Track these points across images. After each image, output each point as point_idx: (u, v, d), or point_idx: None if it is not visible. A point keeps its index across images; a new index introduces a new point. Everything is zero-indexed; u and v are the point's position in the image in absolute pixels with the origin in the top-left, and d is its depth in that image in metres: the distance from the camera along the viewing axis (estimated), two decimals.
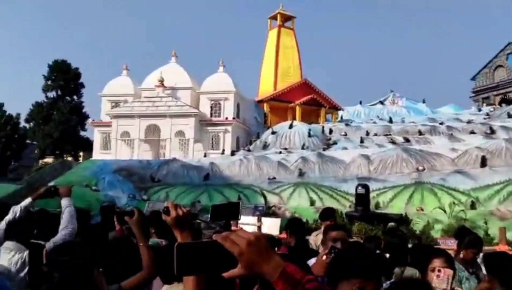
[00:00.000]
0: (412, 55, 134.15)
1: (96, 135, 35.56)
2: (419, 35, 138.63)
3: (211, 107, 33.91)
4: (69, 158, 39.50)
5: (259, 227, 14.48)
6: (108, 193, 23.25)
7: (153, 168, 26.94)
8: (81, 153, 43.01)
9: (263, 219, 17.11)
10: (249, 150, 30.46)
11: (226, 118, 33.03)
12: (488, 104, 40.80)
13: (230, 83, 34.16)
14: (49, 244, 3.26)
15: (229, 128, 32.79)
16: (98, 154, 33.86)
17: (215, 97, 33.76)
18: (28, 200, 3.77)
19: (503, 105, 38.96)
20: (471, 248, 4.08)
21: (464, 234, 4.40)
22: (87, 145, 40.50)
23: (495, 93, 43.45)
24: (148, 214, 4.63)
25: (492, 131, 27.31)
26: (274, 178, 25.03)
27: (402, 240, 4.45)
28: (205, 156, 30.53)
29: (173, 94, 33.92)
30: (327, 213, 5.83)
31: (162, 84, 33.58)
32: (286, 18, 43.11)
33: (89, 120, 39.49)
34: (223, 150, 31.65)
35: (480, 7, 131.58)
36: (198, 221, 13.55)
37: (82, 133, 43.85)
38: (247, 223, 14.49)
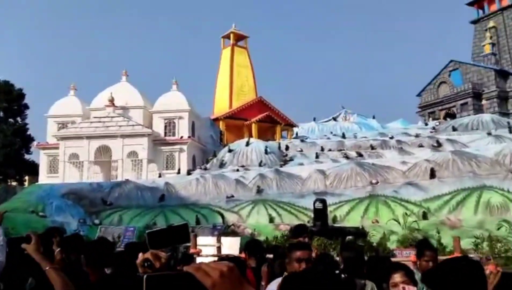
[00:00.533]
0: (362, 73, 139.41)
1: (42, 158, 33.81)
2: (368, 53, 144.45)
3: (165, 126, 33.27)
4: (14, 183, 37.31)
5: (219, 248, 14.11)
6: (56, 219, 21.98)
7: (104, 190, 25.87)
8: (26, 178, 40.68)
9: (223, 239, 16.74)
10: (205, 169, 30.05)
11: (181, 137, 32.49)
12: (434, 119, 42.80)
13: (184, 101, 33.76)
14: None
15: (185, 147, 32.25)
16: (44, 178, 32.14)
17: (169, 116, 33.18)
18: None
19: (448, 119, 41.05)
20: (423, 257, 4.14)
21: (422, 245, 4.42)
22: (33, 169, 38.42)
23: (440, 108, 45.68)
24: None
25: (439, 144, 28.53)
26: (232, 196, 24.77)
27: (359, 253, 4.49)
28: (160, 176, 29.74)
29: (125, 114, 33.00)
30: (300, 230, 5.66)
31: (113, 104, 32.64)
32: (239, 37, 43.56)
33: (34, 143, 37.61)
34: (179, 169, 31.01)
35: (424, 26, 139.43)
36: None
37: (27, 156, 41.69)
38: (206, 244, 14.09)
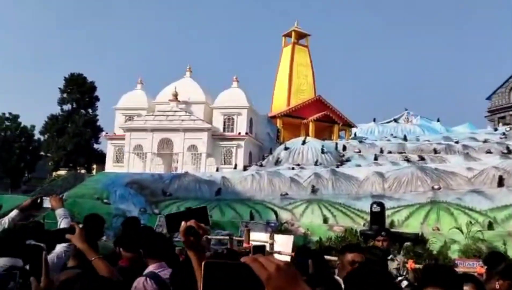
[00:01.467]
0: (427, 74, 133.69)
1: (109, 148, 35.77)
2: (434, 54, 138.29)
3: (224, 122, 33.94)
4: (82, 171, 39.70)
5: (272, 245, 14.17)
6: (120, 206, 23.20)
7: (164, 182, 26.88)
8: (94, 166, 43.25)
9: (276, 236, 16.80)
10: (261, 165, 30.30)
11: (239, 133, 33.00)
12: (504, 124, 40.20)
13: (244, 98, 34.22)
14: (51, 257, 2.90)
15: (242, 143, 32.73)
16: (111, 167, 33.99)
17: (228, 112, 33.81)
18: (14, 212, 3.49)
19: None
20: (508, 279, 3.24)
21: (496, 259, 3.62)
22: (100, 158, 40.72)
23: (511, 112, 42.88)
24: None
25: (509, 151, 26.83)
26: (287, 194, 24.79)
27: (379, 258, 4.03)
28: (217, 170, 30.43)
29: (187, 109, 34.06)
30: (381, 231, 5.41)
31: (176, 98, 33.78)
32: (301, 36, 43.35)
33: (103, 133, 39.80)
34: (236, 165, 31.53)
35: (496, 26, 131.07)
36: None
37: (96, 146, 44.18)
38: (259, 240, 14.19)
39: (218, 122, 33.94)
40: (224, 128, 33.84)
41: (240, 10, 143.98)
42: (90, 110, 44.37)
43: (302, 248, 6.98)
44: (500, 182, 21.91)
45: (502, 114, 43.68)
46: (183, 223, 1.59)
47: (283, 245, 15.53)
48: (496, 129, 35.89)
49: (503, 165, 23.01)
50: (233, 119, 33.68)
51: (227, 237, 16.21)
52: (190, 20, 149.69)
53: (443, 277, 2.14)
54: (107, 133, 37.81)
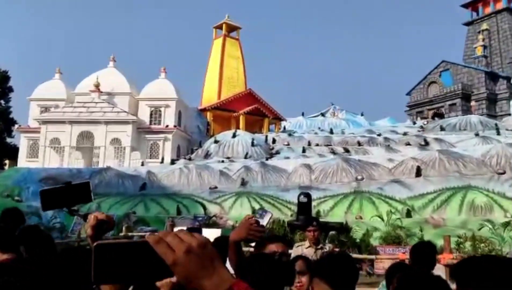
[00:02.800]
0: (352, 70, 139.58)
1: (22, 142, 33.01)
2: (359, 51, 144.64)
3: (151, 114, 32.67)
4: None
5: None
6: (33, 204, 21.37)
7: (84, 177, 25.24)
8: (6, 162, 39.77)
9: (203, 230, 16.36)
10: (190, 159, 29.58)
11: (167, 126, 31.96)
12: (422, 118, 42.81)
13: (172, 90, 33.17)
14: None
15: (170, 136, 31.72)
16: (24, 162, 31.37)
17: (155, 104, 32.60)
18: None
19: (436, 118, 41.06)
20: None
21: (419, 250, 3.69)
22: (14, 153, 37.51)
23: (428, 107, 45.72)
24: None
25: (426, 143, 28.41)
26: (216, 187, 24.37)
27: None
28: (142, 165, 29.20)
29: (110, 100, 32.34)
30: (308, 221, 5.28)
31: (98, 89, 31.92)
32: (232, 28, 43.01)
33: (16, 126, 36.73)
34: (163, 158, 30.50)
35: (417, 26, 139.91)
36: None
37: (9, 140, 40.71)
38: None
39: (144, 115, 32.57)
40: (150, 121, 32.57)
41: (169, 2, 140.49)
42: (2, 102, 40.75)
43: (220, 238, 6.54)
44: (418, 172, 23.08)
45: (420, 109, 46.44)
46: (91, 216, 1.45)
47: (210, 239, 15.25)
48: (414, 123, 38.06)
49: (421, 156, 24.28)
50: (160, 111, 32.52)
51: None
52: (115, 7, 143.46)
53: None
54: (20, 125, 34.89)
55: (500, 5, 48.30)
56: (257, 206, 22.39)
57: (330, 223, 18.05)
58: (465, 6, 52.08)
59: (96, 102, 31.76)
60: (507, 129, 30.93)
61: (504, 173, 20.83)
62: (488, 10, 49.28)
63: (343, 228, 17.95)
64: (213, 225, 19.71)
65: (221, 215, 21.62)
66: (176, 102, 32.82)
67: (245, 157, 28.68)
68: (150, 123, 32.50)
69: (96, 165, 29.80)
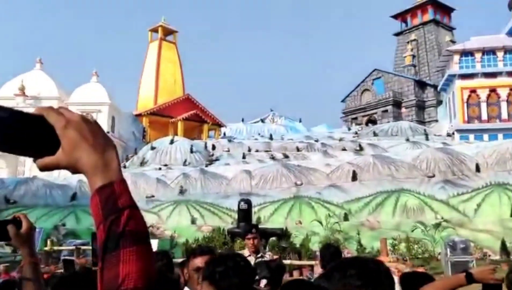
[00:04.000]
0: (291, 78, 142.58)
1: None
2: (297, 60, 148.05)
3: None
4: None
5: None
6: None
7: (7, 187, 23.32)
8: None
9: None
10: (124, 167, 28.29)
11: None
12: (356, 124, 44.39)
13: (104, 94, 31.68)
14: None
15: None
16: None
17: (86, 109, 30.88)
18: None
19: (370, 125, 42.75)
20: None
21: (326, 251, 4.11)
22: None
23: (362, 114, 47.50)
24: None
25: (361, 148, 29.35)
26: (153, 196, 23.46)
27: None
28: (72, 173, 27.47)
29: (36, 104, 30.15)
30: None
31: (23, 93, 29.78)
32: (168, 32, 42.07)
33: None
34: None
35: (352, 36, 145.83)
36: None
37: None
38: None
39: None
40: None
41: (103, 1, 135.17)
42: None
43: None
44: (354, 177, 23.68)
45: (355, 115, 48.14)
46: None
47: None
48: (349, 129, 39.35)
49: (356, 161, 24.97)
50: (91, 117, 30.62)
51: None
52: (43, 6, 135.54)
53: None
54: None
55: (427, 17, 51.46)
56: (196, 215, 21.84)
57: (270, 229, 17.91)
58: (394, 17, 54.95)
59: (21, 107, 29.49)
60: (435, 135, 32.81)
61: (433, 176, 21.90)
62: (416, 21, 52.32)
63: (283, 234, 17.88)
64: (150, 236, 18.84)
65: (158, 225, 20.78)
66: (109, 107, 31.37)
67: (184, 164, 27.98)
68: None
69: (22, 174, 27.68)
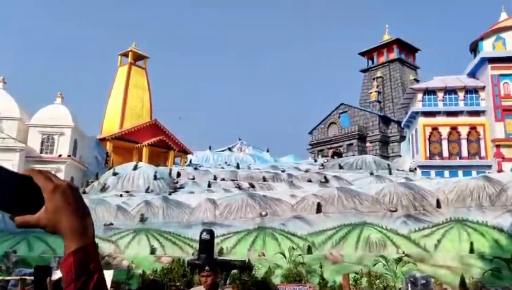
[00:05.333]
0: (259, 108, 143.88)
1: None
2: (266, 90, 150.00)
3: (42, 142, 29.82)
4: None
5: None
6: None
7: None
8: None
9: None
10: (84, 192, 27.24)
11: (60, 155, 29.33)
12: (322, 156, 44.89)
13: (68, 116, 30.76)
14: None
15: (62, 166, 29.08)
16: None
17: (48, 131, 29.86)
18: None
19: (335, 157, 43.30)
20: None
21: None
22: None
23: (328, 146, 48.20)
24: None
25: (326, 180, 29.50)
26: (111, 224, 22.56)
27: None
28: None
29: None
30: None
31: None
32: (139, 57, 41.82)
33: None
34: None
35: (319, 70, 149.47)
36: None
37: None
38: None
39: (35, 142, 29.62)
40: (41, 149, 29.67)
41: (71, 19, 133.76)
42: None
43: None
44: (319, 209, 23.64)
45: (321, 147, 48.77)
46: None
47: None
48: (316, 161, 39.69)
49: (321, 193, 24.99)
50: (53, 139, 29.81)
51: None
52: (6, 21, 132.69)
53: None
54: None
55: (392, 56, 53.58)
56: (156, 244, 21.10)
57: (232, 261, 17.47)
58: (362, 54, 56.95)
59: None
60: (397, 169, 33.47)
61: (396, 210, 22.12)
62: (382, 59, 54.37)
63: (246, 267, 17.46)
64: (105, 265, 18.02)
65: (115, 255, 19.92)
66: (72, 130, 30.41)
67: (146, 191, 27.22)
68: (41, 152, 29.58)
69: None
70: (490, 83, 32.21)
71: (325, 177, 29.92)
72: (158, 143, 36.87)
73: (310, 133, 51.01)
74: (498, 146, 30.98)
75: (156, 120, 38.75)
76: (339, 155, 45.23)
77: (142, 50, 42.15)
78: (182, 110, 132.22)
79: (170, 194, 26.73)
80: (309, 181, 29.80)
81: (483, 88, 33.09)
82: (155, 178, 28.76)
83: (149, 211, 23.87)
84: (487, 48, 33.47)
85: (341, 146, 47.03)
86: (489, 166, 31.05)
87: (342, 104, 49.82)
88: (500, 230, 19.27)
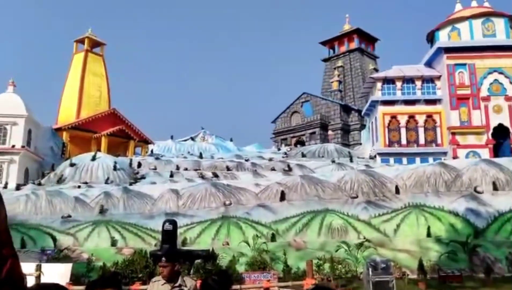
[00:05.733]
0: (222, 96, 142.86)
1: None
2: (229, 78, 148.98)
3: None
4: None
5: (38, 277, 11.68)
6: None
7: None
8: None
9: (48, 265, 14.25)
10: (40, 184, 26.15)
11: (13, 146, 27.96)
12: (286, 145, 45.22)
13: (21, 105, 29.33)
14: None
15: (16, 157, 27.78)
16: None
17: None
18: None
19: (298, 146, 43.71)
20: None
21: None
22: None
23: (291, 135, 48.60)
24: None
25: (289, 168, 29.74)
26: (69, 216, 21.79)
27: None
28: None
29: None
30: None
31: None
32: (95, 44, 40.31)
33: None
34: (6, 183, 26.45)
35: (282, 58, 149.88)
36: None
37: None
38: (29, 273, 11.52)
39: None
40: None
41: (23, 4, 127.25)
42: None
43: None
44: (282, 197, 23.78)
45: (284, 136, 49.11)
46: None
47: (60, 275, 13.39)
48: (279, 149, 39.93)
49: (285, 181, 25.15)
50: (5, 129, 28.37)
51: None
52: None
53: None
54: None
55: (353, 45, 54.42)
56: (117, 236, 20.58)
57: (195, 251, 17.28)
58: (323, 43, 57.46)
59: None
60: (358, 157, 34.18)
61: (356, 197, 22.58)
62: (343, 48, 55.12)
63: (210, 256, 17.32)
64: (64, 258, 17.48)
65: (74, 248, 19.27)
66: (25, 120, 29.03)
67: (106, 182, 26.47)
68: None
69: None
70: (445, 73, 33.32)
71: (288, 166, 30.13)
72: (117, 133, 35.84)
73: (274, 122, 51.19)
74: (453, 134, 32.21)
75: (115, 109, 37.60)
76: (302, 143, 45.70)
77: (100, 37, 40.72)
78: (143, 100, 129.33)
79: (131, 184, 26.11)
80: (273, 169, 29.93)
81: (439, 77, 34.21)
82: (115, 168, 28.01)
83: (109, 202, 23.22)
84: (443, 38, 34.55)
85: (303, 134, 47.52)
86: (445, 153, 32.26)
87: (304, 93, 50.23)
88: (456, 214, 20.07)
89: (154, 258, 16.29)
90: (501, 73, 32.78)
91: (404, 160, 32.35)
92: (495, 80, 32.76)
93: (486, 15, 34.34)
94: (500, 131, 32.02)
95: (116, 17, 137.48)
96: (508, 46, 32.85)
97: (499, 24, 34.03)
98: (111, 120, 36.06)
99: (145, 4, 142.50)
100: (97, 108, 36.84)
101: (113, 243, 20.14)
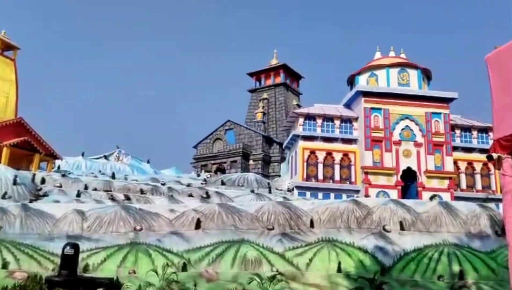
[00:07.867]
0: (142, 117, 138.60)
1: None
2: (150, 99, 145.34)
3: None
4: None
5: None
6: None
7: None
8: None
9: None
10: None
11: None
12: (206, 171, 44.56)
13: None
14: None
15: None
16: None
17: None
18: None
19: (219, 173, 43.27)
20: None
21: None
22: None
23: (212, 162, 48.10)
24: None
25: (208, 196, 29.08)
26: None
27: None
28: None
29: None
30: None
31: None
32: (7, 46, 37.17)
33: None
34: None
35: (208, 86, 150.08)
36: None
37: None
38: None
39: None
40: None
41: None
42: None
43: None
44: (198, 225, 22.98)
45: (205, 162, 48.48)
46: None
47: None
48: (199, 175, 39.13)
49: (202, 209, 24.39)
50: None
51: None
52: None
53: None
54: None
55: (279, 80, 56.15)
56: (9, 258, 18.37)
57: (98, 279, 15.82)
58: (250, 75, 58.65)
59: None
60: (277, 189, 34.51)
61: (273, 229, 22.46)
62: (269, 82, 56.66)
63: (113, 285, 15.94)
64: None
65: None
66: None
67: (3, 197, 23.82)
68: None
69: None
70: (362, 115, 35.31)
71: (206, 193, 29.46)
72: (22, 145, 32.77)
73: (195, 147, 50.45)
74: (366, 173, 33.86)
75: (21, 118, 34.48)
76: (223, 171, 45.34)
77: (13, 40, 37.65)
78: (56, 111, 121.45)
79: (31, 201, 23.70)
80: (190, 195, 29.06)
81: (356, 118, 36.13)
82: (15, 183, 25.38)
83: (4, 219, 20.79)
84: (363, 82, 36.82)
85: (225, 162, 47.27)
86: (358, 191, 33.72)
87: (228, 120, 50.35)
88: (365, 251, 20.66)
89: (50, 285, 14.66)
90: (412, 120, 35.46)
91: (320, 194, 33.26)
92: (406, 126, 35.34)
93: (402, 66, 37.31)
94: (408, 174, 34.32)
95: (33, 24, 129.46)
96: (419, 96, 35.80)
97: (413, 75, 37.10)
98: (16, 130, 32.97)
99: (65, 11, 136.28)
100: (2, 116, 33.56)
101: (4, 265, 17.94)
